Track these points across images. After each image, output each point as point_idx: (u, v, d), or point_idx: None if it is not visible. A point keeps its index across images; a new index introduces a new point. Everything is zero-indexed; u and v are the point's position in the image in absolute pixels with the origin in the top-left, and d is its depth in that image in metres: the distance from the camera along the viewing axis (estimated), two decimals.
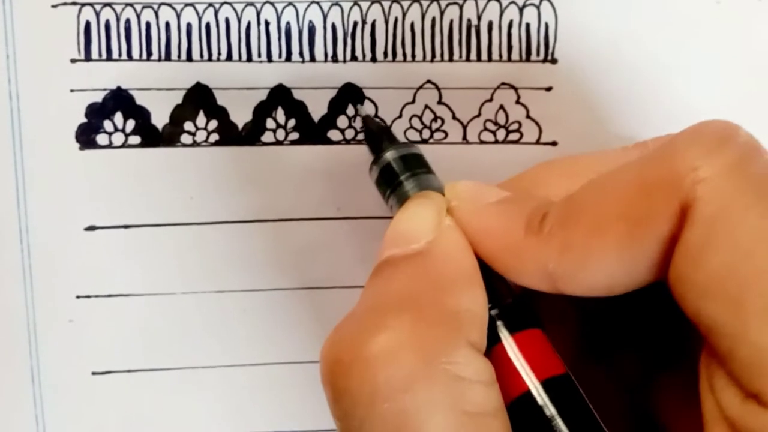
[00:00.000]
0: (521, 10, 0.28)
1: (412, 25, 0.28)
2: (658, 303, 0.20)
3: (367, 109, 0.28)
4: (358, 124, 0.29)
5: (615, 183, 0.19)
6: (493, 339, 0.21)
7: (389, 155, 0.24)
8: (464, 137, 0.29)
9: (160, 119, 0.29)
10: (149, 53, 0.28)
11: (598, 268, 0.19)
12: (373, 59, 0.28)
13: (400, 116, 0.29)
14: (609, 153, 0.23)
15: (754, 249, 0.17)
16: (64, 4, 0.28)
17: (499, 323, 0.21)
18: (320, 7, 0.28)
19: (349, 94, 0.29)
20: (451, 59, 0.29)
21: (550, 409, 0.20)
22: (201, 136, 0.29)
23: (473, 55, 0.29)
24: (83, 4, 0.28)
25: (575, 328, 0.24)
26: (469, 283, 0.20)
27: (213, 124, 0.29)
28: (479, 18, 0.28)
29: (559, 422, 0.20)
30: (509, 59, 0.29)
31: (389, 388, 0.18)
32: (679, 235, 0.18)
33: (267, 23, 0.28)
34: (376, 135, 0.25)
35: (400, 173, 0.24)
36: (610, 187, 0.19)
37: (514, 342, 0.21)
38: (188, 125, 0.29)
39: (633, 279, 0.19)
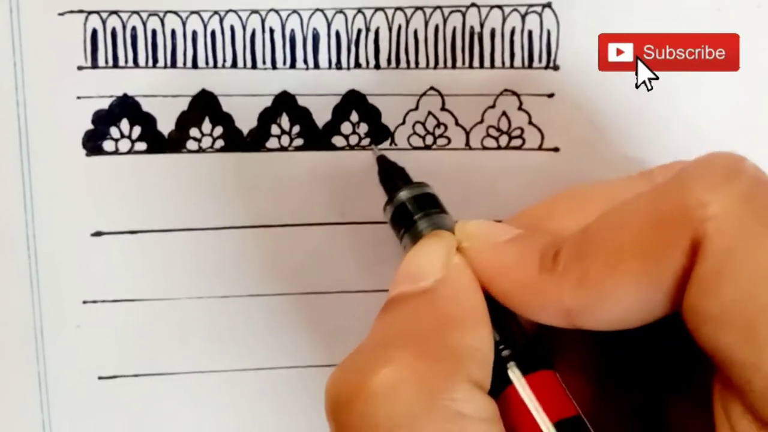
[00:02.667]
0: (524, 17, 0.29)
1: (415, 32, 0.29)
2: (668, 329, 0.20)
3: (381, 149, 0.29)
4: (362, 130, 0.29)
5: (627, 217, 0.19)
6: (505, 380, 0.21)
7: (403, 195, 0.25)
8: (467, 143, 0.29)
9: (165, 126, 0.29)
10: (155, 60, 0.28)
11: (615, 303, 0.19)
12: (377, 66, 0.29)
13: (404, 123, 0.29)
14: (615, 184, 0.23)
15: (766, 279, 0.17)
16: (71, 12, 0.28)
17: (511, 364, 0.21)
18: (324, 15, 0.28)
19: (353, 101, 0.29)
20: (454, 66, 0.29)
21: None
22: (206, 142, 0.29)
23: (476, 62, 0.29)
24: (90, 12, 0.28)
25: (588, 355, 0.24)
26: (473, 321, 0.21)
27: (218, 130, 0.29)
28: (482, 25, 0.29)
29: None
30: (512, 66, 0.29)
31: (390, 424, 0.19)
32: (693, 267, 0.18)
33: (272, 31, 0.29)
34: (391, 175, 0.26)
35: (413, 213, 0.24)
36: (623, 221, 0.19)
37: (527, 383, 0.21)
38: (194, 131, 0.29)
39: (649, 312, 0.19)
